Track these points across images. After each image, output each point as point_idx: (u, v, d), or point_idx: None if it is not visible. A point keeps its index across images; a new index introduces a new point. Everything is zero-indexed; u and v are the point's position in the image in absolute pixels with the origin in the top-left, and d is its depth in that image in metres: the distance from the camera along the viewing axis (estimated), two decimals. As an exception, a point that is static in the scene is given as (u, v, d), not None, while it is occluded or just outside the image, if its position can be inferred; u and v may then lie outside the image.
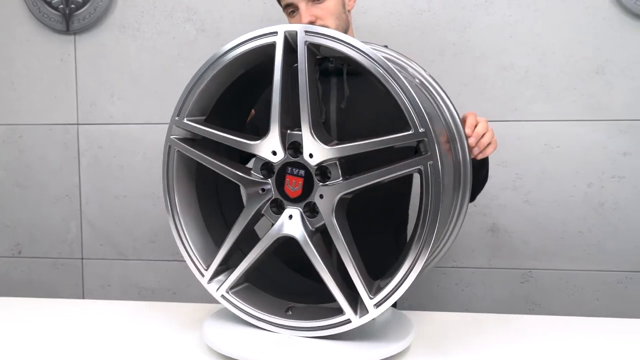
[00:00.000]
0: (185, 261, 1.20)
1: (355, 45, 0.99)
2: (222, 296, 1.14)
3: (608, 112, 1.94)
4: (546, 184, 1.97)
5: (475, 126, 1.14)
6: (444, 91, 1.14)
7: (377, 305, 1.01)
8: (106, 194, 2.16)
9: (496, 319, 1.28)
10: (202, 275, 1.17)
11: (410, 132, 0.97)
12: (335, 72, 1.48)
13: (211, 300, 1.20)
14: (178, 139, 1.16)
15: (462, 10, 1.97)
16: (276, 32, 1.05)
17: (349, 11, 1.54)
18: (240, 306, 1.13)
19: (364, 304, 1.03)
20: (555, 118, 1.95)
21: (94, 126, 2.14)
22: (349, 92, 1.46)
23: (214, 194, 1.27)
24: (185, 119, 1.14)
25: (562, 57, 1.94)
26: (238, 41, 1.08)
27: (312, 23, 1.39)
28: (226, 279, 1.14)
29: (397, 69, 1.02)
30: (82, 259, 2.20)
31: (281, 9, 1.55)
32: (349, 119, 1.46)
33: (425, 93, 1.11)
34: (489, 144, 1.16)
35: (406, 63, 1.16)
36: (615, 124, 1.94)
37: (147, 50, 2.10)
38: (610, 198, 1.96)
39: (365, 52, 0.99)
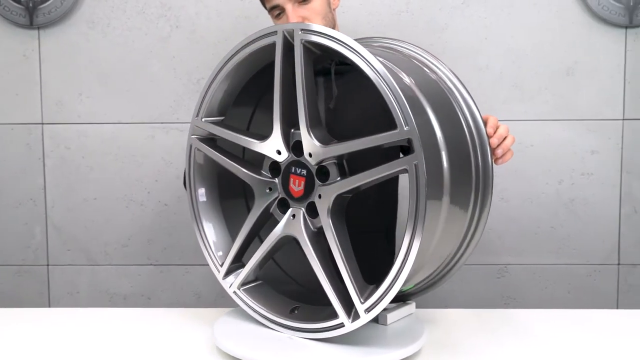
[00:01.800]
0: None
1: (344, 42, 0.99)
2: (234, 292, 1.16)
3: (577, 112, 2.02)
4: (520, 182, 2.04)
5: (498, 128, 1.15)
6: (468, 92, 1.14)
7: (368, 310, 0.99)
8: (74, 197, 2.06)
9: (492, 314, 1.32)
10: (218, 271, 1.18)
11: (396, 130, 0.95)
12: (323, 71, 1.47)
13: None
14: (198, 138, 1.18)
15: (440, 12, 2.00)
16: (276, 32, 1.05)
17: (334, 10, 1.54)
18: (250, 304, 1.15)
19: (337, 303, 1.03)
20: (529, 118, 2.02)
21: (61, 126, 2.04)
22: (337, 92, 1.46)
23: (240, 193, 1.27)
24: (203, 119, 1.16)
25: (534, 58, 2.01)
26: (243, 43, 1.11)
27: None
28: (238, 275, 1.16)
29: (388, 67, 1.01)
30: (48, 265, 2.09)
31: (265, 11, 1.54)
32: (337, 119, 1.46)
33: (447, 93, 1.11)
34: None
35: (429, 61, 1.16)
36: (584, 123, 2.02)
37: (118, 46, 2.02)
38: (580, 194, 2.04)
39: (355, 48, 0.98)
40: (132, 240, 2.08)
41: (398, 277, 0.96)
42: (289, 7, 1.41)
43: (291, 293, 1.21)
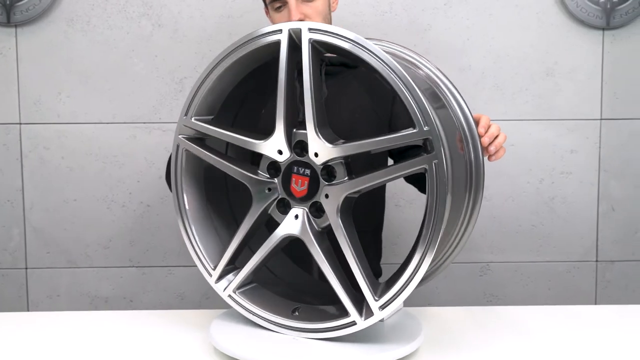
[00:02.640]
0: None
1: (359, 42, 0.99)
2: (229, 296, 1.14)
3: (557, 112, 2.06)
4: (502, 181, 2.07)
5: (489, 128, 1.17)
6: (457, 91, 1.16)
7: (383, 307, 1.01)
8: (54, 198, 2.02)
9: (483, 311, 1.34)
10: (210, 275, 1.15)
11: (414, 130, 0.96)
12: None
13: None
14: (186, 138, 1.14)
15: (422, 13, 2.02)
16: (281, 30, 1.03)
17: (332, 12, 1.54)
18: (247, 306, 1.12)
19: (369, 306, 1.02)
20: (510, 118, 2.05)
21: (39, 126, 2.00)
22: (327, 92, 1.46)
23: (224, 193, 1.25)
24: (192, 118, 1.12)
25: (515, 59, 2.04)
26: (243, 40, 1.07)
27: (300, 21, 1.38)
28: (234, 278, 1.13)
29: (404, 66, 1.03)
30: (27, 268, 2.04)
31: (255, 10, 1.53)
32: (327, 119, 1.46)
33: (438, 92, 1.13)
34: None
35: (418, 61, 1.17)
36: (563, 123, 2.06)
37: (99, 45, 1.98)
38: (560, 193, 2.08)
39: (369, 48, 0.99)
40: (114, 242, 2.04)
41: (417, 272, 0.98)
42: (293, 3, 1.39)
43: (282, 295, 1.20)
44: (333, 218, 1.04)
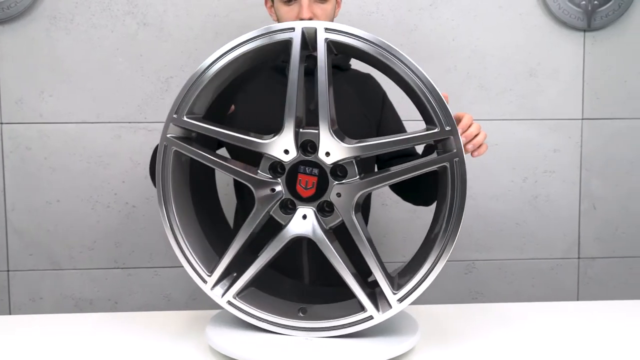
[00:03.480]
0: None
1: (377, 43, 1.01)
2: (229, 302, 1.10)
3: (540, 112, 2.09)
4: (486, 179, 2.09)
5: (469, 127, 1.18)
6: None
7: (401, 300, 1.03)
8: (36, 199, 1.98)
9: (475, 308, 1.36)
10: (205, 281, 1.11)
11: (435, 130, 1.00)
12: (305, 71, 1.47)
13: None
14: (176, 137, 1.09)
15: (409, 13, 2.03)
16: (293, 28, 1.03)
17: (335, 16, 1.54)
18: (250, 311, 1.10)
19: (383, 300, 1.04)
20: (494, 117, 2.08)
21: (21, 125, 1.96)
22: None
23: (210, 196, 1.22)
24: (185, 116, 1.08)
25: (499, 60, 2.07)
26: (252, 35, 1.04)
27: (310, 20, 1.38)
28: (230, 284, 1.11)
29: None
30: (8, 270, 2.00)
31: (248, 5, 1.52)
32: (316, 121, 1.46)
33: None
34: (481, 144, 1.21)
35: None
36: (546, 123, 2.10)
37: (82, 43, 1.95)
38: (543, 191, 2.12)
39: (388, 49, 1.01)
40: (99, 243, 2.01)
41: (437, 264, 1.02)
42: (305, 1, 1.36)
43: (282, 297, 1.18)
44: (348, 216, 1.04)
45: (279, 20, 1.41)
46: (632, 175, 2.14)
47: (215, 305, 2.03)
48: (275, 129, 1.09)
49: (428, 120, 1.05)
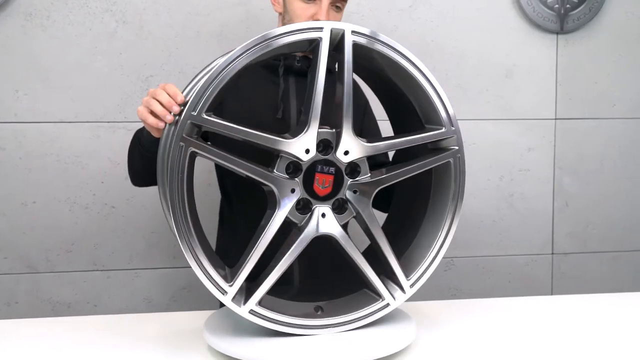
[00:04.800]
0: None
1: (396, 48, 1.10)
2: (251, 311, 1.04)
3: (515, 112, 2.15)
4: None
5: None
6: None
7: (412, 284, 1.12)
8: (11, 200, 1.92)
9: (468, 304, 1.39)
10: (224, 293, 1.03)
11: (443, 129, 1.09)
12: (298, 72, 1.47)
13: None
14: (193, 137, 1.02)
15: (389, 14, 2.06)
16: (322, 28, 1.03)
17: None
18: (274, 317, 1.06)
19: (393, 286, 1.11)
20: (472, 117, 2.12)
21: (-5, 125, 1.90)
22: None
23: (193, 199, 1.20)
24: (204, 114, 1.00)
25: (477, 61, 2.11)
26: (282, 30, 1.02)
27: None
28: (247, 292, 1.05)
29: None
30: (-18, 275, 1.94)
31: (231, 4, 1.51)
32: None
33: None
34: None
35: None
36: (521, 122, 2.16)
37: (59, 41, 1.90)
38: (518, 189, 2.18)
39: (404, 53, 1.10)
40: (77, 245, 1.97)
41: (441, 249, 1.13)
42: (325, 4, 1.36)
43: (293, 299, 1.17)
44: (367, 211, 1.09)
45: (286, 13, 1.41)
46: (601, 174, 2.22)
47: (195, 307, 2.02)
48: (264, 127, 1.08)
49: (429, 120, 1.11)
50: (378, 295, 1.12)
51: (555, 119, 2.17)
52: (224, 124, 1.01)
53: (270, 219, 1.03)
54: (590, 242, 2.23)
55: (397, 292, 1.12)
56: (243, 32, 1.98)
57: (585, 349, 1.10)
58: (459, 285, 2.18)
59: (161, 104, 1.09)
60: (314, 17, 1.36)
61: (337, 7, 1.40)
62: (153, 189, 1.95)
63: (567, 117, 2.17)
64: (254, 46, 1.00)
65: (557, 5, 2.11)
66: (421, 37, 2.07)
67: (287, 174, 1.06)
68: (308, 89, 1.05)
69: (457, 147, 1.12)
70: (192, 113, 0.99)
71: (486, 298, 1.48)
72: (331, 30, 1.04)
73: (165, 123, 1.09)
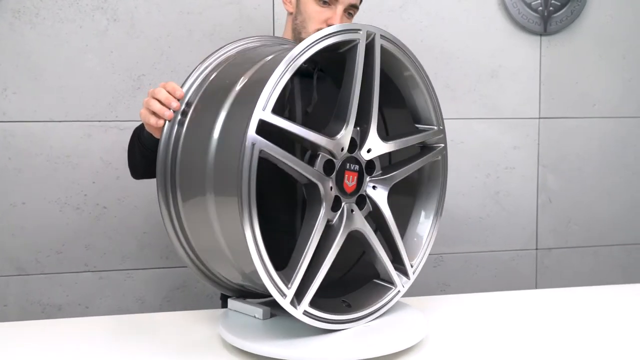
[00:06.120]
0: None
1: (413, 59, 1.18)
2: (305, 312, 1.02)
3: (501, 111, 2.21)
4: (452, 176, 2.16)
5: None
6: None
7: (414, 271, 1.20)
8: (0, 201, 1.89)
9: (475, 298, 1.43)
10: (284, 295, 0.99)
11: (436, 128, 1.20)
12: (303, 73, 1.49)
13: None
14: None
15: (379, 15, 2.09)
16: (359, 30, 1.05)
17: None
18: (322, 316, 1.05)
19: (400, 275, 1.18)
20: (459, 116, 2.17)
21: (-18, 124, 1.86)
22: (317, 98, 1.48)
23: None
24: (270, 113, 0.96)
25: (464, 62, 2.16)
26: (332, 30, 1.02)
27: None
28: (298, 293, 1.02)
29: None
30: (-31, 278, 1.90)
31: (224, 3, 1.52)
32: (313, 123, 1.48)
33: None
34: None
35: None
36: (507, 121, 2.21)
37: (49, 39, 1.87)
38: (504, 187, 2.24)
39: (411, 57, 1.16)
40: (67, 247, 1.94)
41: (431, 237, 1.24)
42: (340, 10, 1.42)
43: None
44: (384, 205, 1.14)
45: (299, 14, 1.44)
46: (582, 171, 2.29)
47: (189, 307, 2.01)
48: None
49: (420, 120, 1.22)
50: (389, 284, 1.17)
51: (539, 118, 2.23)
52: (288, 123, 0.98)
53: (318, 217, 1.02)
54: (572, 238, 2.30)
55: (403, 279, 1.19)
56: (236, 31, 1.98)
57: (568, 339, 1.14)
58: (448, 281, 2.23)
59: (160, 102, 1.10)
60: (327, 22, 1.39)
61: (349, 13, 1.43)
62: (145, 190, 1.95)
63: (550, 116, 2.24)
64: (308, 46, 0.99)
65: (540, 8, 2.17)
66: (411, 37, 2.11)
67: (323, 172, 1.07)
68: (344, 88, 1.07)
69: (443, 145, 1.23)
70: (262, 111, 0.94)
71: (474, 293, 1.52)
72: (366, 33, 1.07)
73: (165, 121, 1.09)
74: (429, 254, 1.24)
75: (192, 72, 1.14)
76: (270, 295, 0.98)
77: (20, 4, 1.84)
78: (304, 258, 1.00)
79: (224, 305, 1.55)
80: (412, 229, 1.26)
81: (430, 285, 2.20)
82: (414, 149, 1.23)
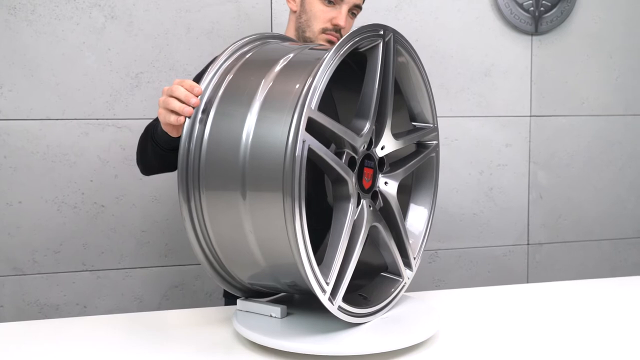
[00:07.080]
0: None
1: (416, 54, 1.21)
2: (339, 308, 1.03)
3: (493, 109, 2.25)
4: (446, 173, 2.22)
5: None
6: None
7: (416, 263, 1.23)
8: (-5, 201, 1.86)
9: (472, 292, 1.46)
10: (324, 291, 0.99)
11: (432, 126, 1.25)
12: None
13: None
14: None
15: (375, 14, 2.11)
16: (387, 30, 1.09)
17: None
18: (353, 311, 1.06)
19: (410, 264, 1.21)
20: (453, 114, 2.21)
21: (-23, 122, 1.83)
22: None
23: None
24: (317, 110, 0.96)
25: (458, 61, 2.19)
26: (360, 31, 1.03)
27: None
28: (333, 288, 1.02)
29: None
30: (-36, 278, 1.87)
31: (221, 1, 1.53)
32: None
33: None
34: None
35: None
36: (499, 119, 2.26)
37: (45, 36, 1.85)
38: (497, 183, 2.28)
39: (418, 58, 1.20)
40: (65, 246, 1.92)
41: (427, 230, 1.27)
42: (345, 9, 1.45)
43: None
44: (394, 200, 1.16)
45: (303, 13, 1.45)
46: (572, 168, 2.35)
47: (188, 305, 2.00)
48: None
49: (416, 118, 1.25)
50: (397, 276, 1.20)
51: (530, 116, 2.28)
52: (331, 122, 0.99)
53: (348, 212, 1.04)
54: (562, 233, 2.36)
55: (407, 272, 1.22)
56: (234, 29, 1.99)
57: (559, 331, 1.17)
58: (443, 277, 2.26)
59: (179, 99, 1.08)
60: (332, 21, 1.42)
61: (353, 13, 1.46)
62: (143, 189, 1.94)
63: (540, 114, 2.29)
64: (347, 43, 1.00)
65: (532, 8, 2.22)
66: (406, 36, 2.13)
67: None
68: (366, 86, 1.08)
69: (436, 142, 1.27)
70: (311, 108, 0.94)
71: (468, 288, 1.54)
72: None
73: (185, 117, 1.06)
74: (424, 250, 1.28)
75: (209, 69, 1.12)
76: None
77: (16, 0, 1.82)
78: (338, 254, 1.01)
79: (227, 303, 1.55)
80: (408, 224, 1.29)
81: (424, 280, 2.23)
82: (410, 146, 1.26)
